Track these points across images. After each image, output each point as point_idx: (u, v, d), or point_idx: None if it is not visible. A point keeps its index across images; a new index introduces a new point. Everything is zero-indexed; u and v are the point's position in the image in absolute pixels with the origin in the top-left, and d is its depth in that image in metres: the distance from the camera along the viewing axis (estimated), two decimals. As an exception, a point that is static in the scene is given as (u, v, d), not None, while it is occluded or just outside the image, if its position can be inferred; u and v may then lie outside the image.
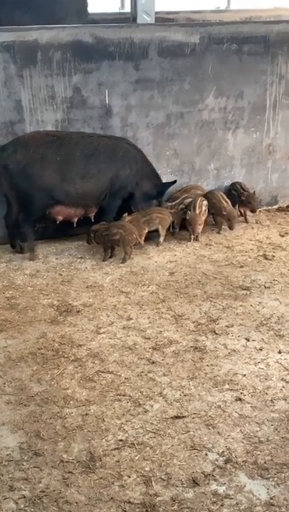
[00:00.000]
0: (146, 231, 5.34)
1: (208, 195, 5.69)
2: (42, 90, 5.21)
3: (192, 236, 5.50)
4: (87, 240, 5.28)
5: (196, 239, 5.54)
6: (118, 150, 5.30)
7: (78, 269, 5.03)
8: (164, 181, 5.67)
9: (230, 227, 5.66)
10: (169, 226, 5.55)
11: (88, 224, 5.32)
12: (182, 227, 5.68)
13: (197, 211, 5.41)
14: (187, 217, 5.45)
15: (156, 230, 5.43)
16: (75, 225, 5.35)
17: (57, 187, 5.07)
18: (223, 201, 5.65)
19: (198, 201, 5.48)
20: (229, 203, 5.69)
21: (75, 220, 5.34)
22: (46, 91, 5.22)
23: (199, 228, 5.47)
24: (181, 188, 5.87)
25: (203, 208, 5.49)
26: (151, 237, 5.46)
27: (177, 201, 5.63)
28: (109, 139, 5.37)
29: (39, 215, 5.19)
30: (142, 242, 5.34)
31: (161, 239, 5.46)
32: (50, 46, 5.12)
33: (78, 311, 4.33)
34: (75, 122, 5.38)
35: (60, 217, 5.26)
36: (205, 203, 5.54)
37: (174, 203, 5.62)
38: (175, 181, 5.69)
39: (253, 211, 5.94)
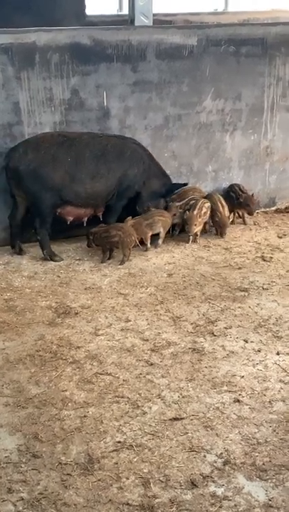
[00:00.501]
0: (150, 234, 5.36)
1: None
2: (40, 92, 5.21)
3: (190, 236, 5.49)
4: (88, 244, 5.28)
5: (195, 240, 5.54)
6: (126, 150, 5.34)
7: (76, 271, 5.03)
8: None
9: (221, 235, 5.66)
10: (169, 229, 5.55)
11: (87, 225, 5.32)
12: (184, 229, 5.67)
13: (195, 212, 5.41)
14: (185, 217, 5.46)
15: (158, 233, 5.44)
16: (84, 225, 5.36)
17: (66, 187, 5.10)
18: (219, 205, 5.65)
19: (200, 203, 5.49)
20: (226, 207, 5.69)
21: (85, 219, 5.35)
22: (44, 93, 5.22)
23: (195, 229, 5.46)
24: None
25: (204, 210, 5.49)
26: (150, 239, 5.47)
27: (184, 201, 5.62)
28: (118, 138, 5.40)
29: (50, 217, 5.18)
30: (148, 245, 5.37)
31: (160, 241, 5.46)
32: (48, 48, 5.13)
33: (76, 313, 4.33)
34: (73, 124, 5.38)
35: (71, 218, 5.28)
36: (207, 205, 5.55)
37: (181, 203, 5.61)
38: (186, 184, 5.71)
39: (250, 214, 5.95)
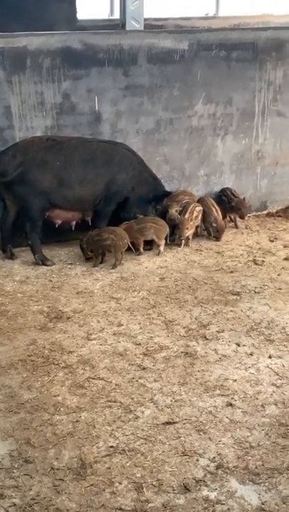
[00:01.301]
0: (142, 240, 5.31)
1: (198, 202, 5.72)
2: (31, 96, 5.21)
3: (181, 240, 5.48)
4: (84, 255, 5.20)
5: (187, 244, 5.55)
6: (115, 155, 5.32)
7: (68, 275, 5.02)
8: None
9: (218, 239, 5.66)
10: (167, 235, 5.43)
11: (82, 230, 5.32)
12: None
13: (187, 215, 5.42)
14: (176, 221, 5.46)
15: (151, 240, 5.36)
16: (73, 229, 5.36)
17: (55, 191, 5.09)
18: (213, 209, 5.66)
19: (191, 206, 5.49)
20: (219, 211, 5.70)
21: (74, 223, 5.34)
22: (36, 97, 5.22)
23: (186, 232, 5.46)
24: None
25: (194, 214, 5.50)
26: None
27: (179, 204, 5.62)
28: (108, 143, 5.39)
29: (40, 221, 5.17)
30: (141, 251, 5.34)
31: (162, 248, 5.36)
32: (40, 52, 5.13)
33: (68, 318, 4.32)
34: (65, 128, 5.38)
35: (59, 221, 5.27)
36: (198, 208, 5.56)
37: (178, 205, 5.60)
38: (170, 193, 5.67)
39: (242, 217, 5.97)
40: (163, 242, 5.37)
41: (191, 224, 5.49)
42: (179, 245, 5.53)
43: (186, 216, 5.42)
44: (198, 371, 3.69)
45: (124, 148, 5.45)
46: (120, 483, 2.84)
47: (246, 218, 6.05)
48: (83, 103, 5.39)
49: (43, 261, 5.18)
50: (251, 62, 5.92)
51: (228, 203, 5.89)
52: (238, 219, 6.02)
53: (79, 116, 5.42)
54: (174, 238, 5.55)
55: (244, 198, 5.95)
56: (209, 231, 5.73)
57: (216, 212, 5.67)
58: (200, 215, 5.59)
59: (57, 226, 5.29)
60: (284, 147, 6.37)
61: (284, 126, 6.28)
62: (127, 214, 5.48)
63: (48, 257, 5.25)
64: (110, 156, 5.30)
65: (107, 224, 5.36)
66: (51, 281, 4.92)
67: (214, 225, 5.63)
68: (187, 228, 5.44)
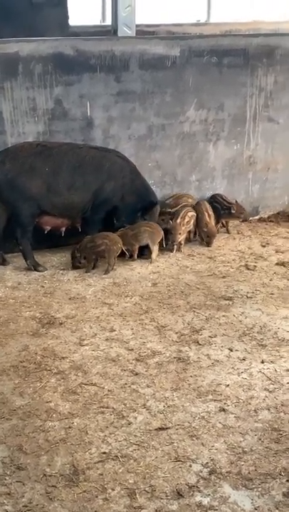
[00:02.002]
0: (137, 246, 5.28)
1: (194, 207, 5.71)
2: (23, 102, 5.21)
3: (174, 245, 5.47)
4: (73, 264, 5.16)
5: (179, 249, 5.55)
6: (105, 162, 5.28)
7: (61, 281, 5.01)
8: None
9: (209, 244, 5.67)
10: (162, 240, 5.42)
11: (74, 236, 5.30)
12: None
13: (178, 220, 5.42)
14: (168, 226, 5.46)
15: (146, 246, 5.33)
16: (62, 235, 5.35)
17: (44, 197, 5.07)
18: (206, 214, 5.67)
19: (183, 211, 5.50)
20: (212, 216, 5.71)
21: (63, 230, 5.33)
22: (27, 103, 5.22)
23: (179, 237, 5.47)
24: (174, 195, 5.90)
25: (186, 219, 5.51)
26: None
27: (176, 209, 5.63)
28: (99, 150, 5.35)
29: (31, 226, 5.16)
30: (135, 258, 5.31)
31: (154, 255, 5.31)
32: (32, 58, 5.14)
33: (61, 323, 4.31)
34: (57, 134, 5.38)
35: (48, 227, 5.26)
36: (190, 214, 5.56)
37: (172, 210, 5.61)
38: (157, 203, 5.57)
39: (246, 220, 6.00)
40: (156, 247, 5.32)
41: (183, 229, 5.49)
42: (171, 250, 5.54)
43: (178, 221, 5.43)
44: (191, 376, 3.68)
45: (117, 155, 5.42)
46: (113, 490, 2.83)
47: (238, 223, 6.08)
48: (75, 109, 5.40)
49: (34, 266, 5.17)
50: (242, 69, 5.95)
51: (222, 209, 5.87)
52: (230, 223, 6.02)
53: (71, 122, 5.42)
54: (167, 243, 5.54)
55: (236, 201, 5.96)
56: (202, 236, 5.74)
57: (208, 217, 5.68)
58: (192, 220, 5.59)
59: (46, 232, 5.27)
60: (275, 153, 6.40)
61: (275, 132, 6.31)
62: (117, 222, 5.44)
63: (40, 262, 5.24)
64: (100, 163, 5.26)
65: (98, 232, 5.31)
66: (43, 286, 4.91)
67: (205, 229, 5.64)
68: (180, 233, 5.45)
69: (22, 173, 5.00)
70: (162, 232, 5.37)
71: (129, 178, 5.43)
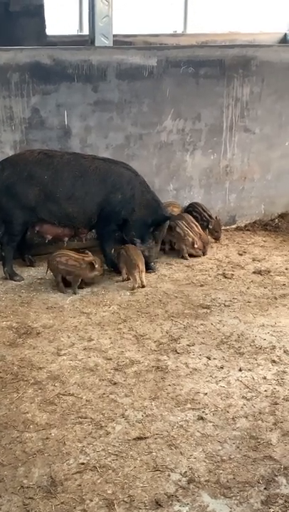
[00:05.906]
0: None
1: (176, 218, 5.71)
2: (0, 111, 5.18)
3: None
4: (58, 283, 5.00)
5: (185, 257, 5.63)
6: (110, 174, 5.16)
7: (38, 290, 4.98)
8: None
9: (204, 253, 5.72)
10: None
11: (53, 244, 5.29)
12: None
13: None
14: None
15: None
16: (65, 244, 5.33)
17: (41, 206, 5.05)
18: (194, 225, 5.68)
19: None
20: (199, 226, 5.73)
21: (66, 239, 5.30)
22: (4, 112, 5.20)
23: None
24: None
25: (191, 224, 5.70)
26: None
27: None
28: (105, 161, 5.25)
29: (20, 235, 5.15)
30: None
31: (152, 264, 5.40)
32: (8, 67, 5.12)
33: (38, 333, 4.28)
34: (34, 143, 5.36)
35: (49, 236, 5.25)
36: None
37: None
38: (170, 217, 5.47)
39: (217, 239, 6.01)
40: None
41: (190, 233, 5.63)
42: (185, 258, 5.63)
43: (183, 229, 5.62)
44: (170, 385, 3.68)
45: (124, 167, 5.31)
46: (91, 500, 2.81)
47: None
48: (52, 118, 5.39)
49: (11, 275, 5.13)
50: (219, 79, 6.00)
51: (205, 221, 5.91)
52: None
53: (48, 130, 5.41)
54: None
55: (217, 218, 5.99)
56: (182, 248, 5.62)
57: (197, 227, 5.69)
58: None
59: (47, 241, 5.29)
60: (251, 162, 6.46)
61: (251, 142, 6.37)
62: (126, 237, 5.30)
63: (17, 272, 5.20)
64: (105, 175, 5.15)
65: (113, 244, 5.26)
66: (20, 296, 4.87)
67: (196, 244, 5.59)
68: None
69: (20, 180, 4.98)
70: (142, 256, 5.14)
71: (139, 190, 5.28)
